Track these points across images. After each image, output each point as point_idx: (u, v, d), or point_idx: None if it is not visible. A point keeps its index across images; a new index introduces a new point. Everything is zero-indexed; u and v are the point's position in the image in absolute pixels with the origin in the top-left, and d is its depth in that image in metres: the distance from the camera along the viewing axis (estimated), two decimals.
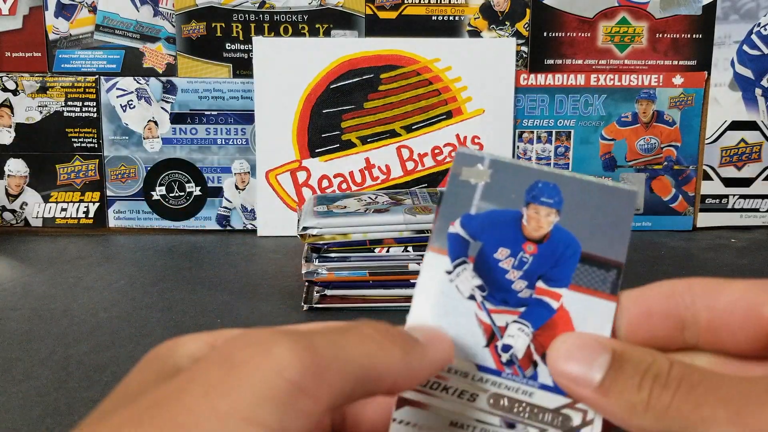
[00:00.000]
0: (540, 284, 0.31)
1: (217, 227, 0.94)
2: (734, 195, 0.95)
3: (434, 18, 0.91)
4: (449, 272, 0.31)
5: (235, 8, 0.90)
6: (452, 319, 0.30)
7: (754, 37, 0.92)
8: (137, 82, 0.92)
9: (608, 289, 0.30)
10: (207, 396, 0.21)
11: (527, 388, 0.29)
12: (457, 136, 0.93)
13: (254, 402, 0.21)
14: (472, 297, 0.31)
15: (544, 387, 0.29)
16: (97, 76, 0.92)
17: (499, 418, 0.29)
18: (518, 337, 0.30)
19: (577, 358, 0.28)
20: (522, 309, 0.31)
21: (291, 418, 0.22)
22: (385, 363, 0.26)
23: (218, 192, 0.94)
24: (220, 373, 0.22)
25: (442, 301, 0.31)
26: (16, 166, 0.93)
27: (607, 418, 0.27)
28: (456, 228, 0.31)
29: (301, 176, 0.92)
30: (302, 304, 0.67)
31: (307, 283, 0.69)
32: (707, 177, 0.94)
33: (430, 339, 0.29)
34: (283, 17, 0.91)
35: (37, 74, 0.92)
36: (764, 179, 0.95)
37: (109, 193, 0.94)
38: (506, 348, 0.30)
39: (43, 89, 0.92)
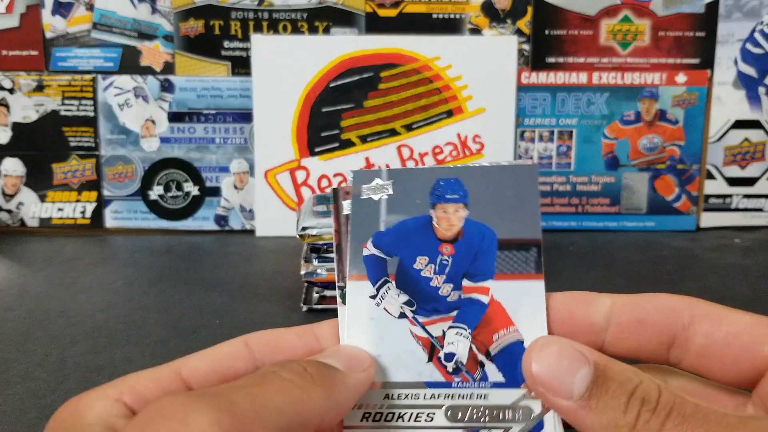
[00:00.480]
0: (466, 283, 0.30)
1: (216, 227, 0.94)
2: (738, 194, 0.94)
3: (435, 16, 0.91)
4: (373, 296, 0.30)
5: (233, 6, 0.90)
6: (388, 343, 0.30)
7: (757, 35, 0.91)
8: (135, 80, 0.91)
9: (533, 269, 0.30)
10: None
11: (481, 391, 0.29)
12: (458, 135, 0.92)
13: None
14: (402, 315, 0.30)
15: (496, 385, 0.29)
16: (94, 75, 0.91)
17: (461, 430, 0.28)
18: (458, 343, 0.29)
19: (555, 368, 0.27)
20: (454, 313, 0.30)
21: None
22: (308, 407, 0.25)
23: (216, 192, 0.93)
24: None
25: (374, 328, 0.30)
26: (12, 166, 0.92)
27: (580, 431, 0.26)
28: (369, 249, 0.31)
29: (300, 176, 0.91)
30: (301, 304, 0.67)
31: (306, 284, 0.68)
32: (710, 176, 0.94)
33: (350, 364, 0.28)
34: (282, 15, 0.90)
35: (33, 73, 0.91)
36: None
37: (106, 192, 0.93)
38: (449, 357, 0.29)
39: (39, 88, 0.91)
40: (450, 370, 0.30)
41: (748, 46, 0.92)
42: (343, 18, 0.90)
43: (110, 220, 0.93)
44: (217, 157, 0.92)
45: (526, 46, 0.91)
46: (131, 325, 0.63)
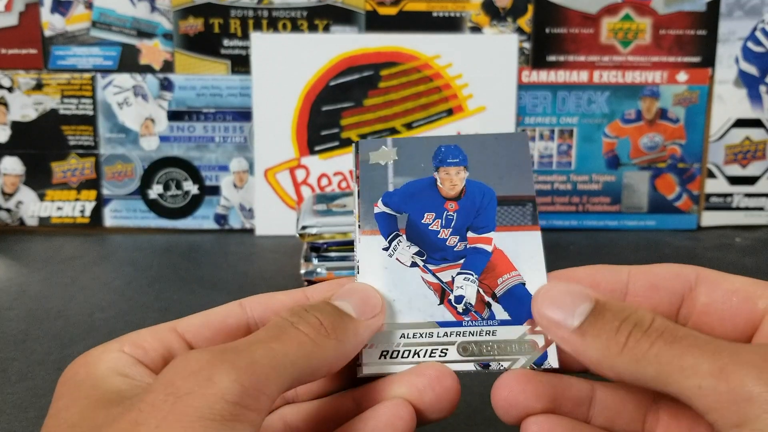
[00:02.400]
0: (470, 234, 0.33)
1: (215, 226, 0.93)
2: (739, 193, 0.94)
3: (435, 14, 0.90)
4: (386, 248, 0.33)
5: (233, 4, 0.89)
6: (402, 289, 0.32)
7: (758, 33, 0.91)
8: (134, 79, 0.91)
9: (529, 221, 0.34)
10: (159, 428, 0.23)
11: (489, 328, 0.32)
12: (459, 133, 0.92)
13: (202, 426, 0.23)
14: (414, 264, 0.33)
15: (503, 323, 0.32)
16: (93, 73, 0.91)
17: (472, 363, 0.31)
18: (467, 287, 0.33)
19: (559, 304, 0.29)
20: (462, 261, 0.33)
21: (238, 431, 0.23)
22: (320, 358, 0.27)
23: (216, 191, 0.93)
24: (167, 405, 0.23)
25: (388, 276, 0.33)
26: (12, 165, 0.92)
27: (582, 360, 0.29)
28: (380, 207, 0.34)
29: (300, 174, 0.91)
30: None
31: (306, 283, 0.68)
32: (711, 175, 0.93)
33: (363, 309, 0.30)
34: (281, 13, 0.90)
35: (32, 71, 0.91)
36: None
37: (105, 191, 0.93)
38: (459, 299, 0.32)
39: (38, 86, 0.91)
40: (460, 310, 0.32)
41: (750, 44, 0.91)
42: (343, 16, 0.90)
43: (109, 219, 0.93)
44: (217, 155, 0.92)
45: (526, 45, 0.91)
46: (130, 324, 0.63)
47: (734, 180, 0.94)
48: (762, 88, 0.92)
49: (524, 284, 0.33)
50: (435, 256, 0.33)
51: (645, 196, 0.93)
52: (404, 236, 0.33)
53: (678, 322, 0.31)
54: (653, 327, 0.27)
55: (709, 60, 0.91)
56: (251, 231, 0.93)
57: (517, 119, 0.91)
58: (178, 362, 0.25)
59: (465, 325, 0.32)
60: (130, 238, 0.90)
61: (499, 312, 0.32)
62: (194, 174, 0.93)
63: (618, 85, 0.91)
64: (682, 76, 0.91)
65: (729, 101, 0.92)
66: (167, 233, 0.93)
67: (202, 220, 0.93)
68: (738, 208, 0.94)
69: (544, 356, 0.31)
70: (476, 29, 0.91)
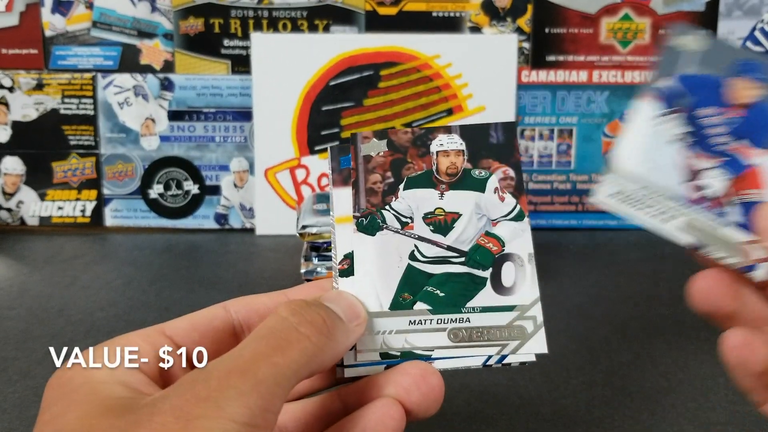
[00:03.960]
0: (741, 142, 0.35)
1: (216, 226, 0.94)
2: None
3: (435, 14, 0.91)
4: (661, 115, 0.36)
5: (233, 4, 0.90)
6: (654, 155, 0.35)
7: (757, 33, 0.91)
8: (134, 79, 0.91)
9: None
10: None
11: (718, 221, 0.33)
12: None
13: None
14: (676, 141, 0.35)
15: (731, 224, 0.33)
16: (94, 73, 0.91)
17: (694, 238, 0.33)
18: (717, 179, 0.34)
19: None
20: (721, 159, 0.35)
21: None
22: (320, 361, 0.28)
23: (216, 190, 0.93)
24: (179, 427, 0.24)
25: (648, 143, 0.35)
26: (12, 164, 0.92)
27: None
28: (671, 82, 0.37)
29: (300, 174, 0.91)
30: None
31: (306, 282, 0.68)
32: None
33: (349, 315, 0.31)
34: (281, 13, 0.90)
35: (33, 71, 0.91)
36: None
37: (106, 191, 0.93)
38: (706, 186, 0.34)
39: (39, 86, 0.91)
40: (703, 195, 0.34)
41: (749, 44, 0.92)
42: (342, 16, 0.90)
43: (110, 219, 0.93)
44: (217, 155, 0.92)
45: (526, 45, 0.91)
46: (131, 323, 0.63)
47: None
48: None
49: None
50: (700, 144, 0.35)
51: None
52: (680, 115, 0.36)
53: None
54: None
55: None
56: (251, 230, 0.93)
57: (516, 119, 0.92)
58: (185, 388, 0.25)
59: (697, 209, 0.34)
60: (131, 238, 0.91)
61: (734, 214, 0.34)
62: (195, 174, 0.93)
63: (617, 85, 0.92)
64: None
65: None
66: (168, 233, 0.93)
67: (202, 219, 0.93)
68: None
69: (753, 267, 0.32)
70: (476, 29, 0.91)
